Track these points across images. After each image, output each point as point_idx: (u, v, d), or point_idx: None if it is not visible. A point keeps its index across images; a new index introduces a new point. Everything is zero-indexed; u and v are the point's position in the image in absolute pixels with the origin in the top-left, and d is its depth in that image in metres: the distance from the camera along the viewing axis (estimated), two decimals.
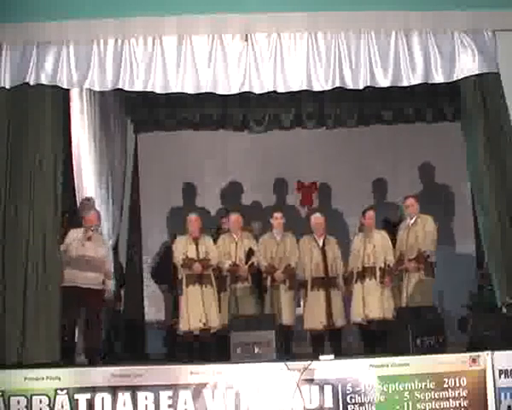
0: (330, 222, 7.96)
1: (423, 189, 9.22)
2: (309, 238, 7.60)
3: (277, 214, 7.68)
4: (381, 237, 7.43)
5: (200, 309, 7.12)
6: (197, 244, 7.30)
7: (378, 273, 7.27)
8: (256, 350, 5.89)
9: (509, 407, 5.52)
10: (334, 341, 7.34)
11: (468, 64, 6.53)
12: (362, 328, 7.41)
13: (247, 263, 7.43)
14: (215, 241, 7.49)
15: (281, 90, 6.57)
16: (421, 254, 7.16)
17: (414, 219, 7.37)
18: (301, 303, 7.64)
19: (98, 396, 5.55)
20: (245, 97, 7.57)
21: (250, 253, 7.46)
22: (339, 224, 8.90)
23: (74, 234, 6.78)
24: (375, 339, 7.16)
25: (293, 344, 7.42)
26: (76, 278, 6.64)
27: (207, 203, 9.28)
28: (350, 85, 6.55)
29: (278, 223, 7.62)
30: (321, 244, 7.50)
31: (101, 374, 5.63)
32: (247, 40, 6.50)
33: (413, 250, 7.23)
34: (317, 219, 7.64)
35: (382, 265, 7.30)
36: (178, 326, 7.23)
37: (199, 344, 7.15)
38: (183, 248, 7.28)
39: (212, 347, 7.16)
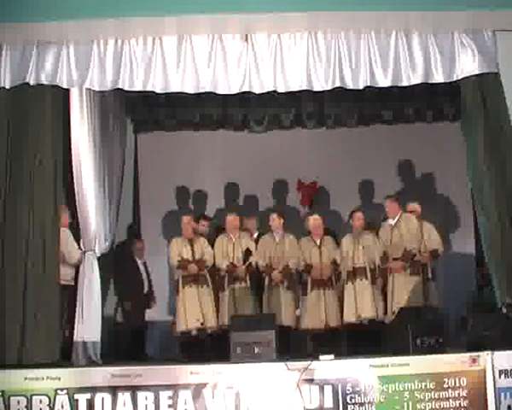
0: (330, 222, 7.98)
1: (404, 187, 9.16)
2: (308, 239, 7.66)
3: (274, 215, 7.70)
4: (370, 238, 7.49)
5: (197, 309, 7.16)
6: (192, 245, 7.33)
7: (369, 274, 7.34)
8: (256, 350, 5.89)
9: (509, 407, 5.52)
10: (333, 340, 7.34)
11: (468, 64, 6.54)
12: (356, 328, 7.38)
13: (244, 263, 7.44)
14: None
15: (281, 90, 6.57)
16: (407, 252, 7.18)
17: (396, 218, 7.40)
18: (299, 304, 7.63)
19: (98, 396, 5.56)
20: (245, 97, 7.58)
21: (247, 253, 7.48)
22: (338, 224, 8.87)
23: None
24: (370, 339, 7.14)
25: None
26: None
27: (207, 203, 9.26)
28: (350, 85, 6.55)
29: (276, 223, 7.63)
30: (318, 244, 7.56)
31: (101, 374, 5.64)
32: (247, 40, 6.50)
33: (398, 250, 7.25)
34: (315, 220, 7.67)
35: (372, 265, 7.38)
36: (176, 326, 7.24)
37: (198, 344, 7.15)
38: (178, 250, 7.32)
39: (211, 347, 7.15)
